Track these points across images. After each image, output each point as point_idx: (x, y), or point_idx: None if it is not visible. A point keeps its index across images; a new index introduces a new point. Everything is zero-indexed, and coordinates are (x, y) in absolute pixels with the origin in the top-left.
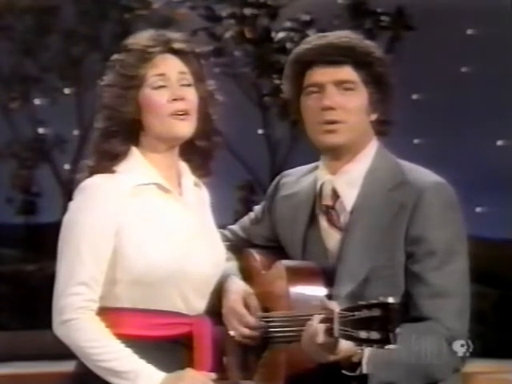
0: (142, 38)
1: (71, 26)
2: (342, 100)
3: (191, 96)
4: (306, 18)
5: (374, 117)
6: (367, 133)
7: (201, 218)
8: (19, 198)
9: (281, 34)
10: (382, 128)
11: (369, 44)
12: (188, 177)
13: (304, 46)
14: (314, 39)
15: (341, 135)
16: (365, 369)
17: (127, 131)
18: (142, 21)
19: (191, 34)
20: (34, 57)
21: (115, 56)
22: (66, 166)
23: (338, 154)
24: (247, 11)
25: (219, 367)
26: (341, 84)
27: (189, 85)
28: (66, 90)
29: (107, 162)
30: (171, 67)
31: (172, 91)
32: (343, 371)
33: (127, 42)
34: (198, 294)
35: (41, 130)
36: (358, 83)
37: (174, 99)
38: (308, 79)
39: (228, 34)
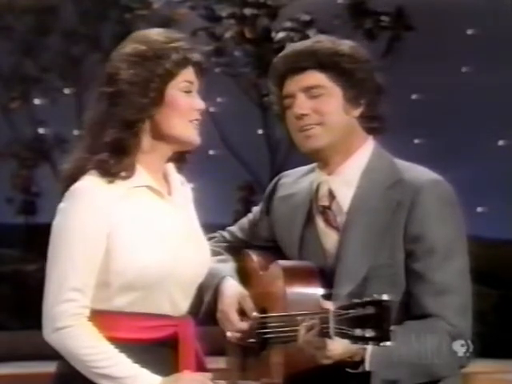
0: (179, 38)
1: (71, 26)
2: (313, 105)
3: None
4: (306, 18)
5: (357, 113)
6: (354, 131)
7: (189, 218)
8: (19, 198)
9: (281, 34)
10: (372, 124)
11: (336, 44)
12: (175, 176)
13: (276, 58)
14: (286, 49)
15: (319, 138)
16: (367, 366)
17: (136, 125)
18: (142, 21)
19: (191, 34)
20: (34, 57)
21: (142, 47)
22: None
23: (325, 158)
24: (247, 11)
25: (202, 367)
26: (309, 90)
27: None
28: (66, 90)
29: (128, 159)
30: (194, 76)
31: (197, 100)
32: (347, 369)
33: (166, 35)
34: (185, 295)
35: (41, 130)
36: (328, 85)
37: (198, 109)
38: (284, 91)
39: (228, 34)
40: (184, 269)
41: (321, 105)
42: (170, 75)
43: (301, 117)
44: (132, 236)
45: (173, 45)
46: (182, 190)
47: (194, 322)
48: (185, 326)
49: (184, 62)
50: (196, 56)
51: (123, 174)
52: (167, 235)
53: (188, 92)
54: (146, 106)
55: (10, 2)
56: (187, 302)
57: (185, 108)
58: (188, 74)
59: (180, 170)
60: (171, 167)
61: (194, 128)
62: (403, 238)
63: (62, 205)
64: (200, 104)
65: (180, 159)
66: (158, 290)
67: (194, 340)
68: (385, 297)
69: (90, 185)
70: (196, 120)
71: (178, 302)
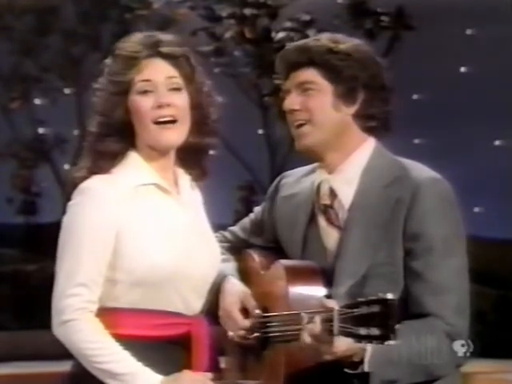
0: (129, 42)
1: (71, 26)
2: (302, 100)
3: (179, 101)
4: (306, 18)
5: (350, 110)
6: (348, 129)
7: (198, 218)
8: (19, 198)
9: (281, 34)
10: (370, 124)
11: (334, 42)
12: (184, 177)
13: (278, 54)
14: (286, 46)
15: (309, 136)
16: (367, 367)
17: (121, 134)
18: (142, 21)
19: (191, 34)
20: (34, 57)
21: (106, 61)
22: (66, 166)
23: (320, 156)
24: (247, 11)
25: (216, 368)
26: (300, 86)
27: (178, 89)
28: (66, 90)
29: (104, 162)
30: (157, 72)
31: (157, 97)
32: (345, 370)
33: (117, 46)
34: (197, 294)
35: (41, 130)
36: (319, 81)
37: (159, 106)
38: (284, 87)
39: (228, 34)
40: (193, 267)
41: (309, 100)
42: (119, 84)
43: (291, 112)
44: (140, 234)
45: (119, 52)
46: (192, 192)
47: (208, 322)
48: (198, 325)
49: (130, 64)
50: (144, 53)
51: (123, 176)
52: (175, 233)
53: (145, 92)
54: (116, 122)
55: (9, 2)
56: (200, 301)
57: (142, 110)
58: (145, 73)
59: (199, 176)
60: (182, 171)
61: (161, 129)
62: (402, 235)
63: (70, 202)
64: (160, 99)
65: (196, 164)
66: (168, 288)
67: (207, 340)
68: (390, 295)
69: (98, 183)
70: (162, 118)
71: (191, 301)
